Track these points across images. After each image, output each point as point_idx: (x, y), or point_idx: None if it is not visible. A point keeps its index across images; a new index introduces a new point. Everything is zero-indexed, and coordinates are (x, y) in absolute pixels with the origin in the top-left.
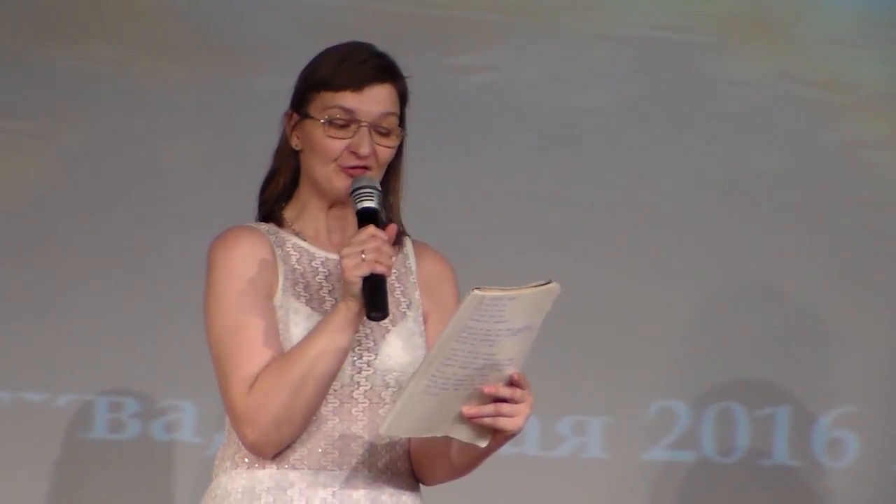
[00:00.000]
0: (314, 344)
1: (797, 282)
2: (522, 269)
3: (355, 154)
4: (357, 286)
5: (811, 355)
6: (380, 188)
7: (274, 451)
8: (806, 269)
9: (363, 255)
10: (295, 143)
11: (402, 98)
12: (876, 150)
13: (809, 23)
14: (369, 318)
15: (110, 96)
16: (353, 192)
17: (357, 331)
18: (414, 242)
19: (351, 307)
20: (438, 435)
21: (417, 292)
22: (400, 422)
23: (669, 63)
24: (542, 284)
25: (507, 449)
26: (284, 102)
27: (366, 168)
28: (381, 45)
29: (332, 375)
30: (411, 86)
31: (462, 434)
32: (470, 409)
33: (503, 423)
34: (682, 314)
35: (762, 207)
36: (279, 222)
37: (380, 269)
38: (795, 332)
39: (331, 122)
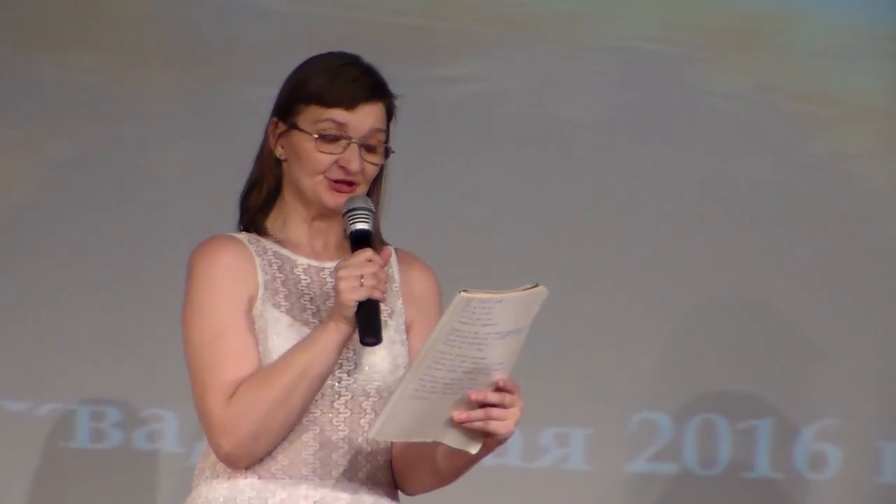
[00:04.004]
0: (299, 360)
1: (780, 294)
2: (506, 279)
3: (344, 169)
4: (352, 310)
5: (793, 367)
6: (374, 209)
7: (247, 463)
8: (789, 280)
9: (362, 280)
10: (279, 152)
11: (389, 115)
12: (861, 162)
13: (795, 35)
14: (363, 343)
15: (96, 104)
16: (347, 213)
17: (342, 352)
18: (397, 251)
19: (342, 329)
20: (428, 440)
21: (400, 301)
22: (389, 426)
23: (655, 74)
24: (530, 287)
25: (488, 460)
26: (271, 111)
27: (352, 184)
28: (367, 56)
29: (315, 392)
30: (399, 98)
31: (452, 440)
32: (460, 414)
33: (494, 426)
34: (664, 325)
35: (746, 219)
36: (260, 231)
37: (377, 296)
38: (778, 345)
39: (321, 137)
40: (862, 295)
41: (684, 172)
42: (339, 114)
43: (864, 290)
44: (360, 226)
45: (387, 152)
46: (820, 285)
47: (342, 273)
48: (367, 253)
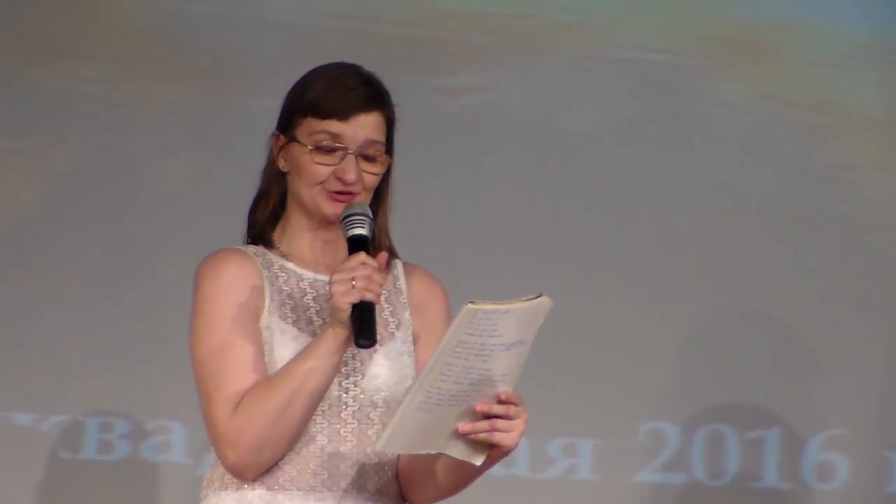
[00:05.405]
0: (300, 368)
1: (787, 304)
2: (512, 290)
3: (341, 180)
4: (346, 313)
5: (801, 378)
6: (371, 215)
7: (254, 473)
8: (795, 290)
9: (353, 283)
10: (282, 164)
11: (390, 124)
12: (865, 172)
13: (799, 46)
14: (357, 345)
15: (100, 116)
16: (345, 219)
17: (342, 357)
18: (404, 264)
19: (339, 334)
20: (433, 452)
21: (407, 312)
22: (395, 438)
23: (659, 85)
24: (534, 298)
25: (496, 470)
26: (274, 123)
27: (352, 194)
28: (371, 67)
29: (317, 401)
30: (401, 107)
31: (457, 451)
32: (465, 426)
33: (499, 437)
34: (672, 336)
35: (752, 229)
36: (267, 244)
37: (369, 297)
38: (785, 355)
39: (317, 148)
40: (868, 305)
41: (690, 183)
42: (333, 125)
43: (870, 299)
44: (357, 231)
45: (387, 163)
46: (826, 295)
47: (335, 277)
48: (361, 256)
